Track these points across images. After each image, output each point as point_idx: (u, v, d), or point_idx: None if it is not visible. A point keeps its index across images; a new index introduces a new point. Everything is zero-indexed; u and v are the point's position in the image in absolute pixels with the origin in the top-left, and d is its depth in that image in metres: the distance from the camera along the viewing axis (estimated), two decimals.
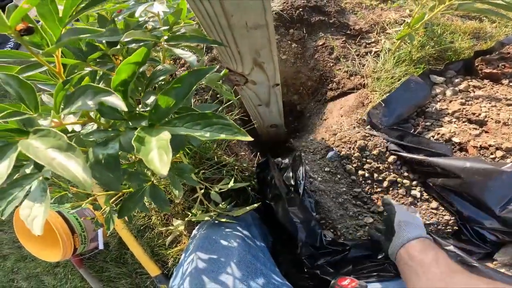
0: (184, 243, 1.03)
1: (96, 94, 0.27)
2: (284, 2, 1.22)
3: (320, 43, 1.19)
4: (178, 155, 0.72)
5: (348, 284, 0.65)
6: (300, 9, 1.20)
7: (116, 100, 0.26)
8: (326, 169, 0.92)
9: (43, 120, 0.31)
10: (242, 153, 1.00)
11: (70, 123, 0.34)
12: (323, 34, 1.21)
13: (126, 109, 0.26)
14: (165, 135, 0.31)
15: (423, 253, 0.60)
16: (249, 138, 0.33)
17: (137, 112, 0.40)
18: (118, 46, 0.42)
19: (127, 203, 0.54)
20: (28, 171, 0.38)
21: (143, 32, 0.40)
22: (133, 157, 0.60)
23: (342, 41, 1.17)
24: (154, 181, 0.57)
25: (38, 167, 0.37)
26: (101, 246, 1.16)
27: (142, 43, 0.42)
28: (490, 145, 0.84)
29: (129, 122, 0.39)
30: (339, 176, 0.91)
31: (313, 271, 0.73)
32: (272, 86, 0.82)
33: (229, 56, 0.66)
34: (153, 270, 1.09)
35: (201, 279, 0.61)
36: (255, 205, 0.79)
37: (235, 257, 0.67)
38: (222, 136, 0.33)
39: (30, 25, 0.25)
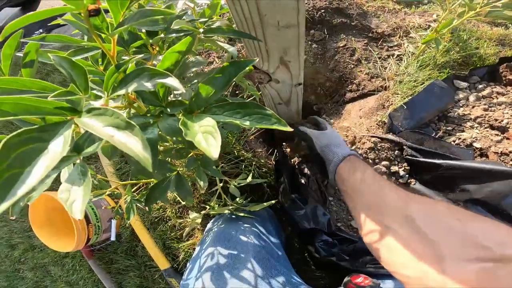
0: (197, 237, 1.04)
1: (152, 77, 0.28)
2: (306, 3, 1.24)
3: (341, 45, 1.20)
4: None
5: (362, 282, 0.66)
6: (322, 11, 1.22)
7: (174, 82, 0.27)
8: None
9: (93, 101, 0.32)
10: (259, 149, 1.02)
11: (115, 106, 0.36)
12: (344, 36, 1.22)
13: (184, 91, 0.27)
14: (208, 121, 0.32)
15: (351, 174, 0.59)
16: (288, 128, 0.35)
17: (175, 99, 0.41)
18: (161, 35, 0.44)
19: (153, 192, 0.56)
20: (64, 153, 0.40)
21: (187, 22, 0.42)
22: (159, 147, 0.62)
23: (364, 44, 1.18)
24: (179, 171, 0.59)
25: (77, 150, 0.38)
26: (113, 238, 1.18)
27: (182, 34, 0.44)
28: (510, 152, 0.85)
29: (167, 109, 0.41)
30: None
31: (328, 258, 0.75)
32: (295, 85, 0.83)
33: (257, 53, 0.68)
34: (163, 263, 1.11)
35: (222, 275, 0.62)
36: (272, 201, 0.80)
37: (251, 253, 0.67)
38: (262, 125, 0.35)
39: (100, 6, 0.26)
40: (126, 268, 1.25)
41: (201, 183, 0.58)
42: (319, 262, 0.78)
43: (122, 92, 0.29)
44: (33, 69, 0.41)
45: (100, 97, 0.36)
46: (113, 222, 1.16)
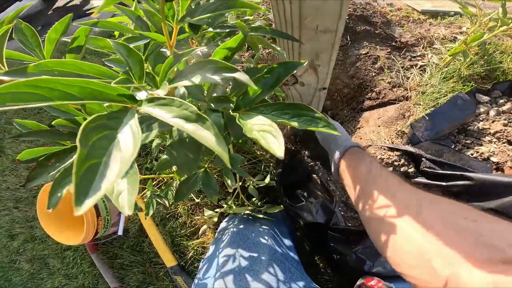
0: (207, 235, 1.05)
1: (218, 70, 0.29)
2: None
3: (364, 52, 1.22)
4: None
5: (375, 285, 0.66)
6: (346, 17, 1.23)
7: (243, 76, 0.28)
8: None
9: (151, 91, 0.33)
10: None
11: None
12: (367, 44, 1.23)
13: (254, 86, 0.28)
14: (263, 120, 0.33)
15: (355, 166, 0.57)
16: (338, 133, 0.36)
17: (221, 95, 0.42)
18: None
19: (181, 188, 0.57)
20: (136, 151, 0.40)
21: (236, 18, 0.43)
22: None
23: (387, 52, 1.20)
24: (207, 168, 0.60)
25: None
26: (120, 232, 1.18)
27: (227, 30, 0.45)
28: None
29: (211, 104, 0.42)
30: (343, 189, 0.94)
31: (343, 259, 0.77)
32: (319, 89, 0.84)
33: (289, 55, 0.69)
34: (170, 260, 1.12)
35: (243, 277, 0.62)
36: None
37: (267, 255, 0.68)
38: (310, 127, 0.35)
39: None
40: (130, 263, 1.25)
41: (229, 181, 0.59)
42: (334, 263, 0.79)
43: (185, 83, 0.30)
44: (79, 55, 0.42)
45: (150, 85, 0.36)
46: (122, 216, 1.17)
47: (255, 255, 0.68)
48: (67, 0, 2.68)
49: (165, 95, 0.40)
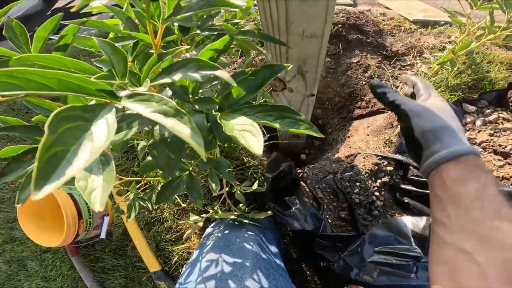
0: (193, 240, 1.04)
1: (199, 68, 0.29)
2: None
3: (355, 61, 1.24)
4: (214, 149, 0.75)
5: None
6: (339, 25, 1.26)
7: (224, 75, 0.28)
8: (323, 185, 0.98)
9: (133, 88, 0.33)
10: (264, 158, 1.03)
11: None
12: (358, 52, 1.26)
13: (235, 84, 0.28)
14: (244, 120, 0.33)
15: (460, 184, 0.42)
16: (321, 135, 0.36)
17: (205, 96, 0.42)
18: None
19: (164, 190, 0.56)
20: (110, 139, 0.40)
21: (224, 21, 0.43)
22: None
23: (378, 61, 1.22)
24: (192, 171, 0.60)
25: None
26: (103, 235, 1.16)
27: (216, 33, 0.45)
28: (511, 176, 0.89)
29: (195, 105, 0.42)
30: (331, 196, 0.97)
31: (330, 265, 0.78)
32: (307, 95, 0.85)
33: (276, 60, 0.69)
34: (153, 265, 1.10)
35: (226, 283, 0.61)
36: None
37: (251, 261, 0.68)
38: (293, 129, 0.36)
39: None
40: (112, 267, 1.23)
41: (213, 185, 0.59)
42: (321, 270, 0.79)
43: (166, 80, 0.30)
44: (65, 53, 0.42)
45: (135, 85, 0.36)
46: (106, 219, 1.15)
47: (239, 260, 0.67)
48: (68, 1, 2.69)
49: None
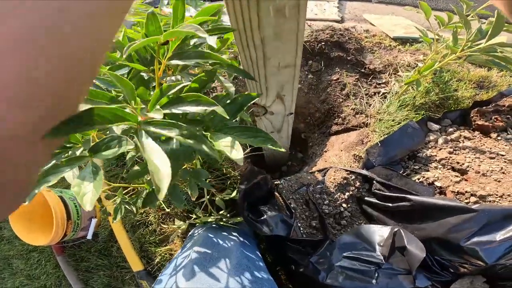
0: (175, 243, 1.12)
1: (200, 103, 0.38)
2: (310, 35, 1.39)
3: (334, 78, 1.35)
4: (194, 161, 0.84)
5: None
6: (323, 43, 1.37)
7: (220, 110, 0.38)
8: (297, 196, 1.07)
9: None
10: (244, 169, 1.12)
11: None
12: (338, 70, 1.36)
13: (227, 117, 0.38)
14: (228, 139, 0.43)
15: None
16: (283, 150, 0.46)
17: (195, 118, 0.52)
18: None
19: (149, 196, 0.65)
20: (77, 153, 0.48)
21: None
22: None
23: (355, 79, 1.33)
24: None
25: (94, 151, 0.41)
26: (89, 236, 1.23)
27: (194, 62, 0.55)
28: (466, 191, 0.98)
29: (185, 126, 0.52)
30: (304, 206, 1.06)
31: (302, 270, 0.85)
32: (287, 114, 0.95)
33: (256, 90, 0.80)
34: (136, 265, 1.18)
35: (192, 268, 0.67)
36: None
37: (232, 259, 0.73)
38: (264, 144, 0.46)
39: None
40: (96, 267, 1.29)
41: (192, 192, 0.68)
42: (292, 273, 0.87)
43: (175, 111, 0.39)
44: None
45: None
46: (93, 221, 1.22)
47: (219, 256, 0.73)
48: None
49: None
